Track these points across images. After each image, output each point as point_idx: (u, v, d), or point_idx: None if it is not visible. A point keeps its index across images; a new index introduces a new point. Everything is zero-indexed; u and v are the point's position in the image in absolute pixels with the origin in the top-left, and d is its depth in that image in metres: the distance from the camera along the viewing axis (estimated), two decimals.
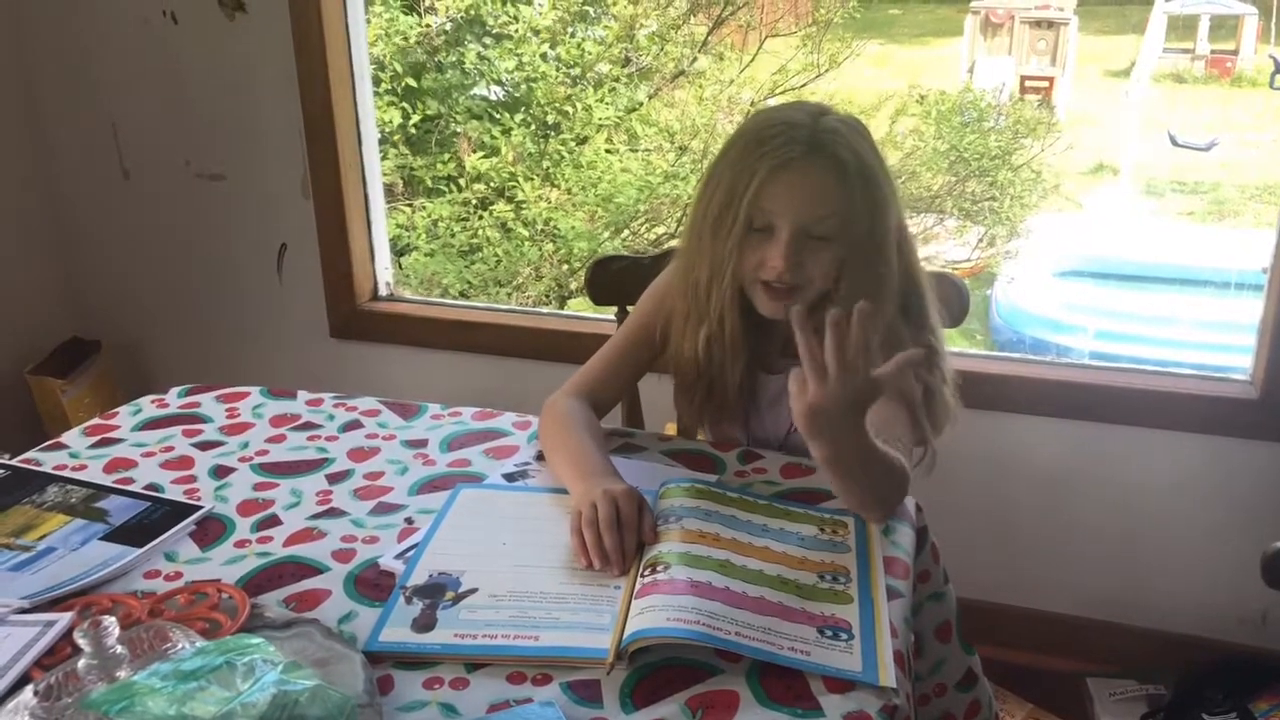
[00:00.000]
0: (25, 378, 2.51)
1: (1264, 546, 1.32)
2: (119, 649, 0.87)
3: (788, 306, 1.17)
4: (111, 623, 0.87)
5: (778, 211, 1.27)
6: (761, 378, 1.45)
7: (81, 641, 0.86)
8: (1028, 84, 7.01)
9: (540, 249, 4.35)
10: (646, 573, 1.09)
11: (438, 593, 1.10)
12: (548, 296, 4.31)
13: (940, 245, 4.77)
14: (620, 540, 1.13)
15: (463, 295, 4.18)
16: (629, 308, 1.75)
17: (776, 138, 1.26)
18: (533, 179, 4.38)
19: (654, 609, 1.02)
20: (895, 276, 1.33)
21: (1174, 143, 6.18)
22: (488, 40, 4.44)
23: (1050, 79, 7.06)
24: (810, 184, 1.26)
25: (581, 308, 3.66)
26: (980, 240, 4.91)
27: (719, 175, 1.31)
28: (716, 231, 1.30)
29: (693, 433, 1.54)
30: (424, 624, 1.05)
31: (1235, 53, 7.56)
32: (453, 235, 4.35)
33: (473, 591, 1.10)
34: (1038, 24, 7.16)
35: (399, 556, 1.17)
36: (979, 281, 4.91)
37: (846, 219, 1.27)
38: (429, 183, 4.38)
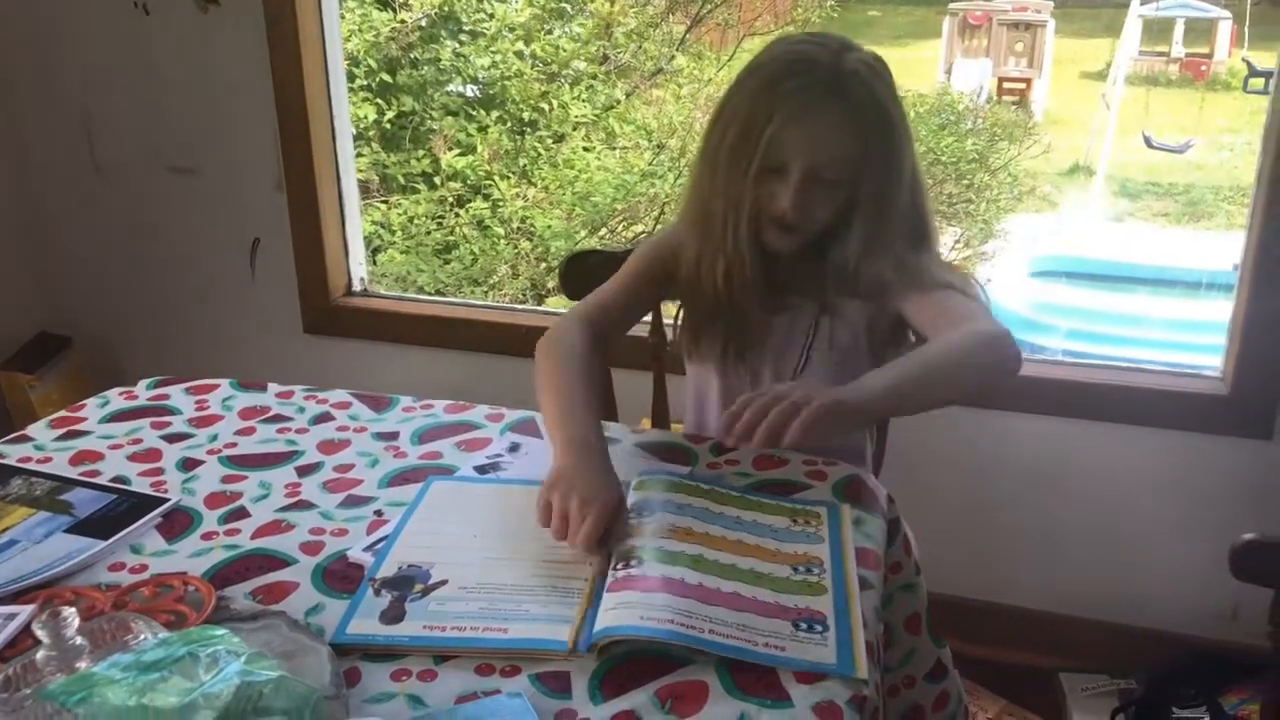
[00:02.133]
0: None
1: (1233, 542, 1.32)
2: (79, 640, 0.86)
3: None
4: (71, 614, 0.86)
5: (791, 153, 1.27)
6: (764, 318, 1.44)
7: (40, 633, 0.85)
8: (1005, 85, 7.07)
9: (516, 247, 4.34)
10: (619, 567, 1.09)
11: (407, 585, 1.09)
12: (524, 295, 4.30)
13: None
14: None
15: (438, 294, 4.16)
16: None
17: (798, 76, 1.26)
18: (509, 177, 4.37)
19: (627, 605, 1.02)
20: (903, 219, 1.34)
21: (1149, 144, 6.23)
22: (463, 37, 4.42)
23: (1028, 80, 7.12)
24: (826, 128, 1.27)
25: (559, 307, 3.65)
26: (957, 242, 4.93)
27: (735, 107, 1.30)
28: (732, 166, 1.30)
29: (703, 373, 1.53)
30: (393, 616, 1.04)
31: (1210, 56, 7.63)
32: (427, 233, 4.33)
33: (442, 584, 1.09)
34: (1015, 26, 7.22)
35: (368, 549, 1.16)
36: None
37: (859, 164, 1.28)
38: (403, 180, 4.36)
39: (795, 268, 1.41)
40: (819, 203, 1.30)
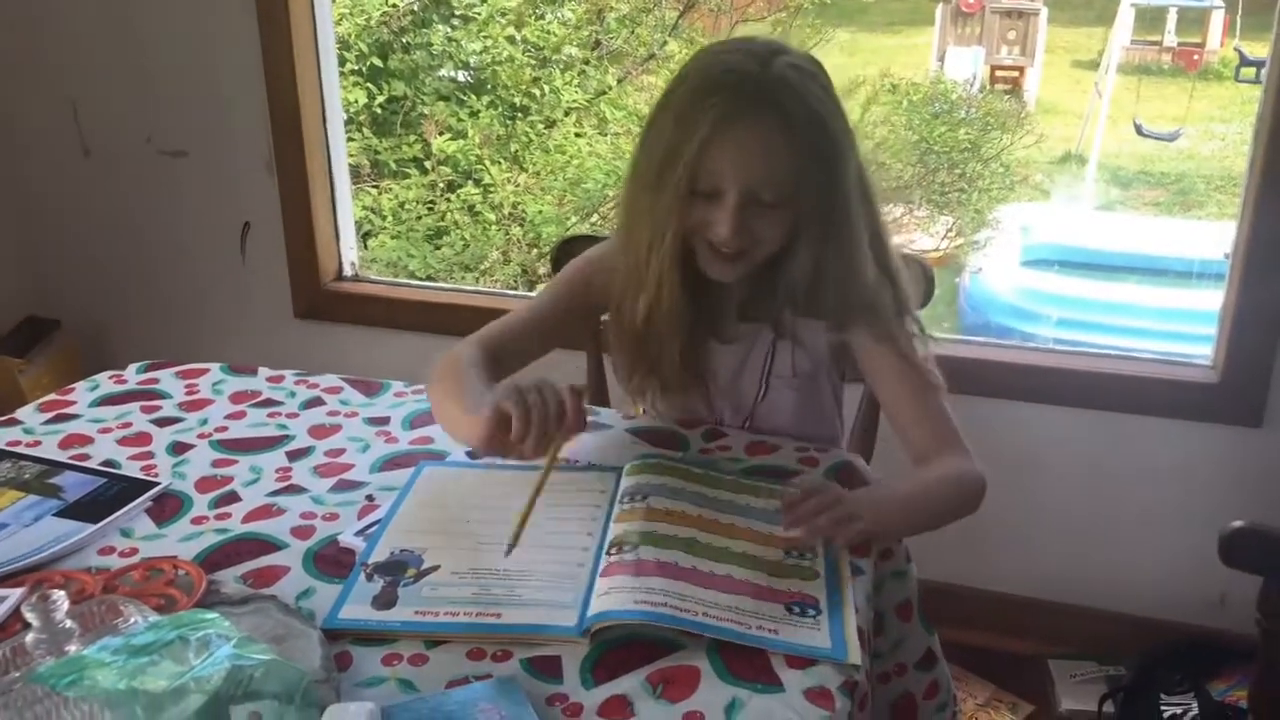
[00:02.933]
0: None
1: (1221, 530, 1.33)
2: (68, 623, 0.85)
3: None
4: (61, 596, 0.85)
5: (722, 174, 1.17)
6: (715, 347, 1.37)
7: (30, 615, 0.84)
8: (998, 73, 7.06)
9: (508, 233, 4.33)
10: (612, 552, 1.09)
11: (399, 570, 1.09)
12: (515, 281, 4.29)
13: (909, 235, 4.79)
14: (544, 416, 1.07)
15: (429, 280, 4.15)
16: None
17: (721, 90, 1.16)
18: (500, 162, 4.35)
19: (620, 590, 1.02)
20: (859, 230, 1.25)
21: (1140, 132, 6.24)
22: (455, 21, 4.40)
23: (1020, 68, 7.11)
24: (757, 145, 1.17)
25: None
26: (949, 230, 4.93)
27: (660, 127, 1.21)
28: (657, 190, 1.20)
29: (635, 406, 1.48)
30: (385, 601, 1.04)
31: (1202, 45, 7.63)
32: (418, 219, 4.31)
33: (435, 569, 1.09)
34: (1008, 14, 7.21)
35: (359, 533, 1.16)
36: (947, 271, 4.94)
37: (798, 179, 1.18)
38: (394, 165, 4.34)
39: (747, 290, 1.34)
40: (762, 226, 1.20)
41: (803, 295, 1.28)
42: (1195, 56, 7.60)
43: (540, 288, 1.42)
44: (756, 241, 1.22)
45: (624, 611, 0.99)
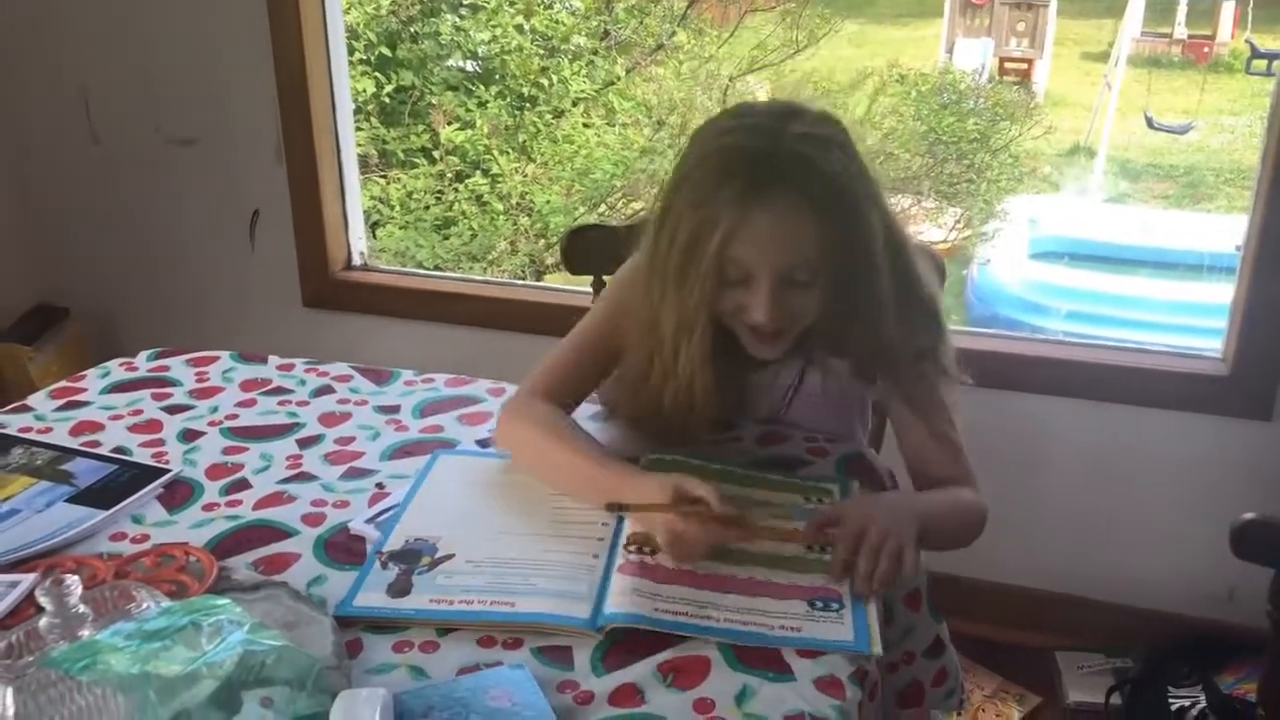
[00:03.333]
0: None
1: (1232, 522, 1.33)
2: (82, 608, 0.86)
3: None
4: (74, 581, 0.86)
5: (751, 263, 1.13)
6: (750, 378, 1.32)
7: (43, 600, 0.85)
8: (1007, 65, 7.04)
9: (516, 223, 4.33)
10: (630, 549, 1.09)
11: (414, 558, 1.09)
12: (523, 271, 4.29)
13: (917, 226, 4.78)
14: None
15: (437, 270, 4.15)
16: (605, 278, 1.74)
17: (737, 176, 1.11)
18: (508, 152, 4.35)
19: (641, 594, 1.02)
20: (884, 284, 1.20)
21: (1151, 125, 6.21)
22: (463, 11, 4.39)
23: (1029, 60, 7.09)
24: (783, 230, 1.12)
25: (558, 283, 3.64)
26: (957, 221, 4.92)
27: (677, 212, 1.16)
28: (682, 281, 1.15)
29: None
30: (400, 589, 1.04)
31: (1212, 37, 7.61)
32: (426, 209, 4.31)
33: (449, 557, 1.09)
34: (1017, 6, 7.19)
35: (370, 521, 1.16)
36: (955, 263, 4.93)
37: (828, 254, 1.14)
38: (402, 155, 4.34)
39: None
40: (798, 301, 1.16)
41: (831, 341, 1.26)
42: (1206, 49, 7.58)
43: (580, 321, 1.37)
44: (795, 316, 1.18)
45: (643, 617, 0.99)
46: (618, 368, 1.34)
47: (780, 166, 1.12)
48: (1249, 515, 1.25)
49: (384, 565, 1.08)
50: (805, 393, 1.35)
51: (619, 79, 4.60)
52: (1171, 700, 1.96)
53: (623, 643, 0.97)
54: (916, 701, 1.33)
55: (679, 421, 1.25)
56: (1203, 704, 1.91)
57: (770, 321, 1.15)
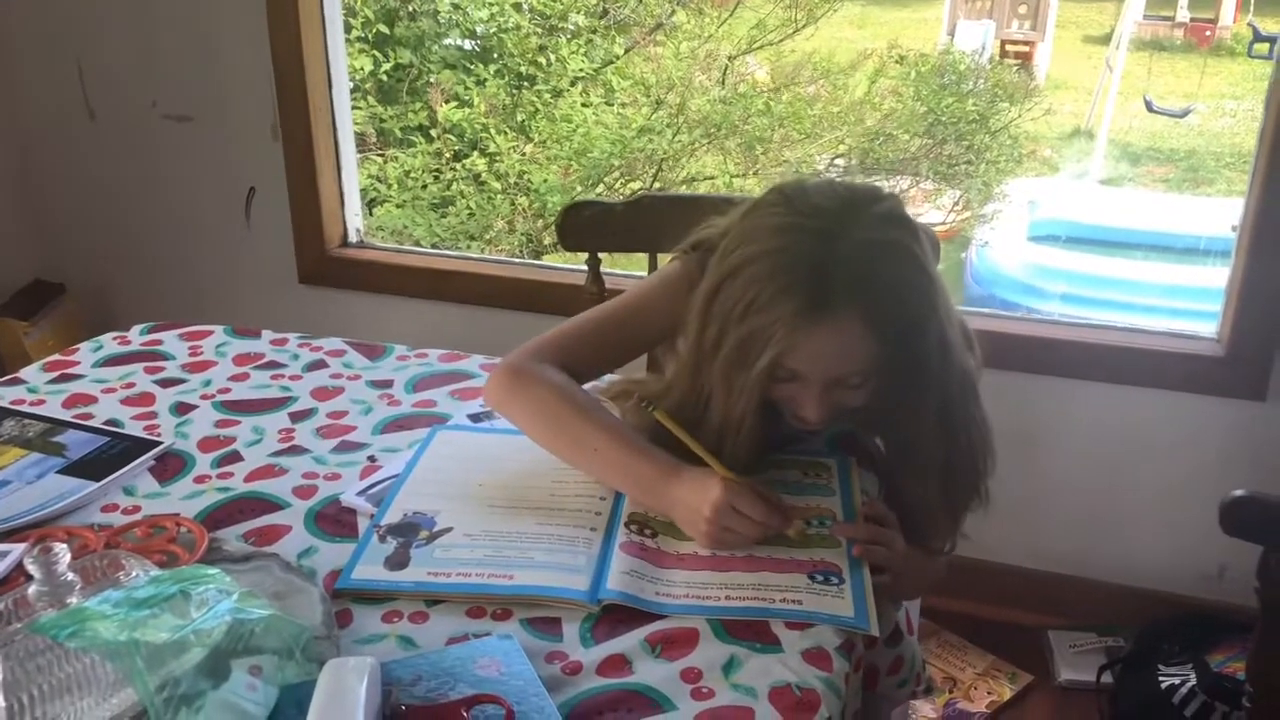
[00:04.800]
0: None
1: (1222, 499, 1.33)
2: (70, 576, 0.86)
3: None
4: (62, 549, 0.86)
5: (803, 370, 1.10)
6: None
7: (32, 567, 0.85)
8: (1008, 48, 7.01)
9: (513, 202, 4.32)
10: (632, 528, 1.09)
11: (412, 531, 1.09)
12: (521, 251, 4.28)
13: (916, 208, 4.77)
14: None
15: (434, 248, 4.14)
16: (600, 255, 1.74)
17: (794, 294, 1.05)
18: (506, 131, 4.34)
19: (642, 577, 1.02)
20: (936, 383, 1.16)
21: (1150, 109, 6.20)
22: None
23: (1031, 43, 7.06)
24: (838, 345, 1.08)
25: (556, 262, 3.64)
26: (956, 203, 4.91)
27: (725, 309, 1.10)
28: (730, 379, 1.11)
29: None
30: (397, 562, 1.05)
31: (1214, 21, 7.58)
32: (424, 187, 4.30)
33: (447, 531, 1.10)
34: None
35: (361, 494, 1.16)
36: (954, 245, 4.92)
37: (881, 357, 1.10)
38: (400, 133, 4.32)
39: None
40: (847, 399, 1.14)
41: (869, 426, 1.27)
42: (1208, 32, 7.55)
43: (617, 295, 1.31)
44: (843, 409, 1.16)
45: (645, 600, 0.99)
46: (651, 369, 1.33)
47: (840, 284, 1.05)
48: (1239, 492, 1.25)
49: (382, 539, 1.08)
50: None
51: (618, 58, 4.58)
52: (1162, 679, 1.96)
53: (612, 614, 0.98)
54: (870, 687, 1.31)
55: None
56: (1193, 682, 1.92)
57: (818, 420, 1.13)
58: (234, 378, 1.43)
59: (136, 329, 1.56)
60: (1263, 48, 6.27)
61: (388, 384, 1.42)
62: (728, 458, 1.13)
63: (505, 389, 1.20)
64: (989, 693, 2.08)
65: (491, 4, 4.36)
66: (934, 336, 1.12)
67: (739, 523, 1.06)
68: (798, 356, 1.07)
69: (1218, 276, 2.16)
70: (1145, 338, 2.14)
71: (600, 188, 4.29)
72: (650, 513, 1.12)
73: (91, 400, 1.36)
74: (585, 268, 1.74)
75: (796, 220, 1.10)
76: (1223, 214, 4.15)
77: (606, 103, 4.55)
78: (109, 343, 1.52)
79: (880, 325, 1.07)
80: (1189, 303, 3.83)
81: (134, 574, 0.91)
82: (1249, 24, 6.78)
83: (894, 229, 1.10)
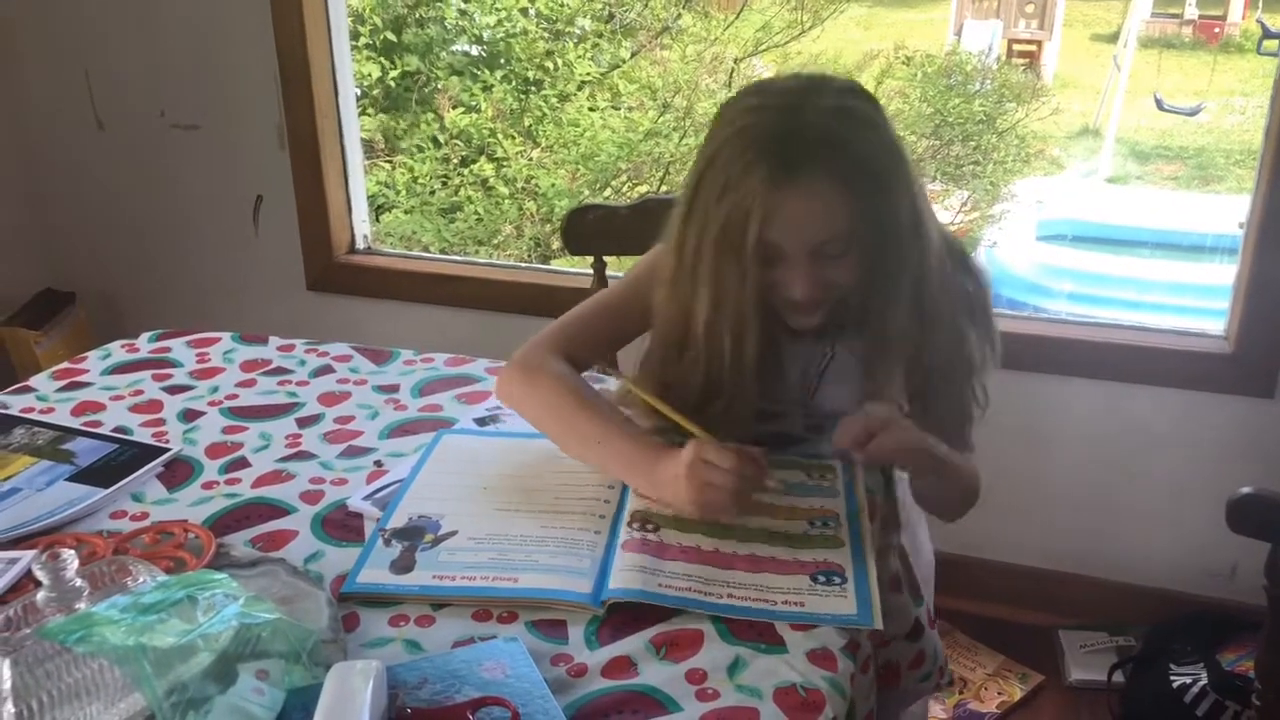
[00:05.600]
0: None
1: (1229, 496, 1.33)
2: (78, 582, 0.87)
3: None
4: (70, 555, 0.86)
5: (785, 243, 1.13)
6: (784, 344, 1.31)
7: (40, 573, 0.86)
8: (1015, 47, 7.00)
9: (521, 207, 4.33)
10: (634, 525, 1.09)
11: (417, 535, 1.10)
12: (529, 255, 4.28)
13: None
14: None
15: (442, 254, 4.15)
16: (605, 259, 1.75)
17: (764, 160, 1.09)
18: (513, 136, 4.34)
19: (644, 570, 1.02)
20: (910, 256, 1.19)
21: (1160, 107, 6.18)
22: None
23: (1038, 42, 7.06)
24: (813, 208, 1.11)
25: (564, 266, 3.64)
26: (963, 204, 4.90)
27: (706, 202, 1.14)
28: (719, 275, 1.15)
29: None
30: (403, 566, 1.05)
31: (1223, 18, 7.56)
32: (432, 193, 4.31)
33: (452, 534, 1.10)
34: None
35: (367, 498, 1.17)
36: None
37: (862, 226, 1.13)
38: (411, 148, 4.34)
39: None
40: (834, 273, 1.16)
41: (858, 314, 1.25)
42: (1216, 29, 7.53)
43: (611, 283, 1.40)
44: (830, 286, 1.18)
45: (647, 593, 0.99)
46: (644, 344, 1.32)
47: (807, 146, 1.10)
48: (1245, 489, 1.25)
49: (387, 542, 1.09)
50: (836, 369, 1.33)
51: (624, 62, 4.59)
52: (1173, 678, 1.96)
53: (617, 616, 0.98)
54: (892, 681, 1.32)
55: (729, 399, 1.23)
56: (1205, 681, 1.91)
57: (808, 296, 1.16)
58: (241, 384, 1.44)
59: (145, 336, 1.57)
60: (1271, 44, 6.25)
61: (394, 389, 1.43)
62: (732, 387, 1.20)
63: (516, 385, 1.26)
64: (999, 693, 2.08)
65: (499, 9, 4.37)
66: (905, 206, 1.16)
67: (714, 474, 1.08)
68: (777, 226, 1.11)
69: (1226, 274, 2.15)
70: (1153, 336, 2.13)
71: (608, 191, 4.29)
72: (652, 507, 1.12)
73: (100, 408, 1.37)
74: (592, 271, 1.75)
75: (762, 101, 1.15)
76: (1231, 211, 4.14)
77: (613, 106, 4.55)
78: (117, 350, 1.53)
79: (850, 184, 1.11)
80: (1197, 300, 3.81)
81: (141, 579, 0.92)
82: (1258, 20, 6.77)
83: (854, 99, 1.15)
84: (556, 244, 4.25)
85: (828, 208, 1.11)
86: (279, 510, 1.15)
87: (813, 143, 1.10)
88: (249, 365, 1.49)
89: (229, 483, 1.20)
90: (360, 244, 2.57)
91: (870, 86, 4.83)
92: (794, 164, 1.09)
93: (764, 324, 1.20)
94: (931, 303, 1.22)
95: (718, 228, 1.12)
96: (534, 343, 1.28)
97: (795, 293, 1.16)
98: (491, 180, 4.31)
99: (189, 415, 1.35)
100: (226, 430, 1.32)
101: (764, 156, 1.10)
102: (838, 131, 1.11)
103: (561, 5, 4.42)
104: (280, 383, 1.44)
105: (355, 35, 3.96)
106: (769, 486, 1.11)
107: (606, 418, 1.19)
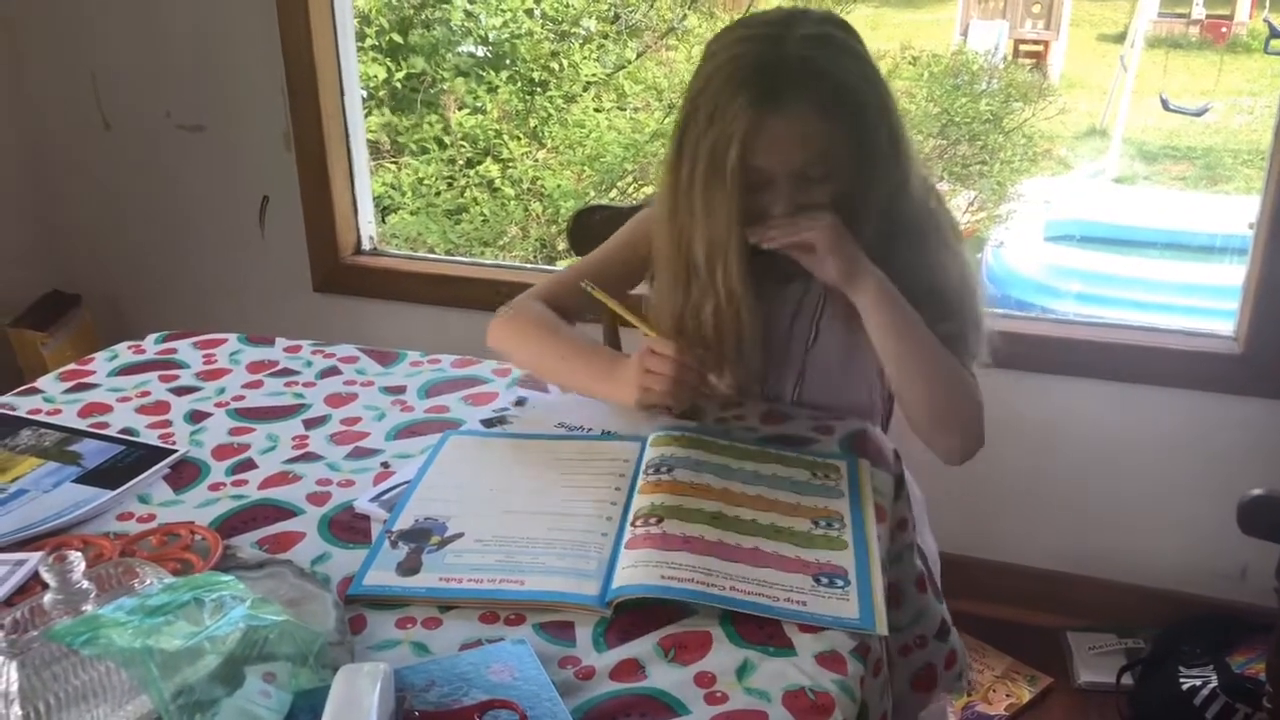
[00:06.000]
0: (5, 331, 2.50)
1: (1240, 498, 1.32)
2: (85, 584, 0.86)
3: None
4: (77, 557, 0.86)
5: (768, 166, 1.20)
6: (772, 293, 1.36)
7: (47, 576, 0.85)
8: (1022, 47, 6.98)
9: (527, 208, 4.32)
10: (638, 523, 1.09)
11: (423, 537, 1.09)
12: (535, 256, 4.28)
13: None
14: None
15: (448, 255, 4.15)
16: None
17: (746, 85, 1.17)
18: (519, 137, 4.34)
19: (647, 564, 1.02)
20: (908, 173, 1.27)
21: (1166, 107, 6.16)
22: None
23: (1045, 42, 7.03)
24: (793, 133, 1.18)
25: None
26: (970, 204, 4.89)
27: (696, 133, 1.21)
28: (710, 202, 1.22)
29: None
30: (409, 568, 1.05)
31: (1230, 17, 7.53)
32: (437, 194, 4.31)
33: (459, 536, 1.09)
34: None
35: (374, 500, 1.16)
36: (969, 245, 4.89)
37: (841, 150, 1.20)
38: (415, 147, 4.34)
39: None
40: (815, 196, 1.22)
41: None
42: (1223, 29, 7.50)
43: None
44: (814, 209, 1.23)
45: (650, 586, 0.99)
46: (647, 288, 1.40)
47: (788, 73, 1.17)
48: (1256, 491, 1.25)
49: (393, 544, 1.08)
50: (829, 319, 1.36)
51: (630, 63, 4.58)
52: (1183, 680, 1.95)
53: (625, 618, 0.97)
54: (930, 685, 1.33)
55: (731, 341, 1.30)
56: (1214, 684, 1.91)
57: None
58: (248, 385, 1.44)
59: (151, 338, 1.57)
60: (1278, 44, 6.23)
61: (401, 390, 1.42)
62: (732, 320, 1.28)
63: (502, 328, 1.38)
64: (1008, 695, 2.07)
65: (504, 10, 4.37)
66: (884, 130, 1.23)
67: (656, 363, 1.18)
68: (760, 150, 1.18)
69: (1235, 274, 2.14)
70: (1162, 337, 2.12)
71: (614, 192, 4.28)
72: (655, 501, 1.12)
73: (107, 409, 1.37)
74: None
75: (745, 33, 1.23)
76: (1240, 211, 4.12)
77: (619, 107, 4.55)
78: (124, 352, 1.53)
79: (829, 109, 1.18)
80: (1206, 301, 3.80)
81: (148, 581, 0.91)
82: (1265, 20, 6.74)
83: (834, 28, 1.23)
84: (562, 245, 4.25)
85: (808, 131, 1.18)
86: (286, 512, 1.15)
87: (793, 70, 1.17)
88: (255, 366, 1.49)
89: (236, 484, 1.20)
90: (366, 245, 2.57)
91: None
92: (775, 90, 1.16)
93: (756, 263, 1.26)
94: (907, 219, 1.29)
95: (706, 155, 1.20)
96: (523, 294, 1.42)
97: (778, 213, 1.22)
98: (497, 181, 4.31)
99: (196, 416, 1.35)
100: (233, 432, 1.32)
101: (746, 85, 1.17)
102: (817, 59, 1.18)
103: (567, 6, 4.42)
104: (287, 384, 1.44)
105: (361, 36, 3.96)
106: (710, 383, 1.20)
107: (574, 340, 1.33)
